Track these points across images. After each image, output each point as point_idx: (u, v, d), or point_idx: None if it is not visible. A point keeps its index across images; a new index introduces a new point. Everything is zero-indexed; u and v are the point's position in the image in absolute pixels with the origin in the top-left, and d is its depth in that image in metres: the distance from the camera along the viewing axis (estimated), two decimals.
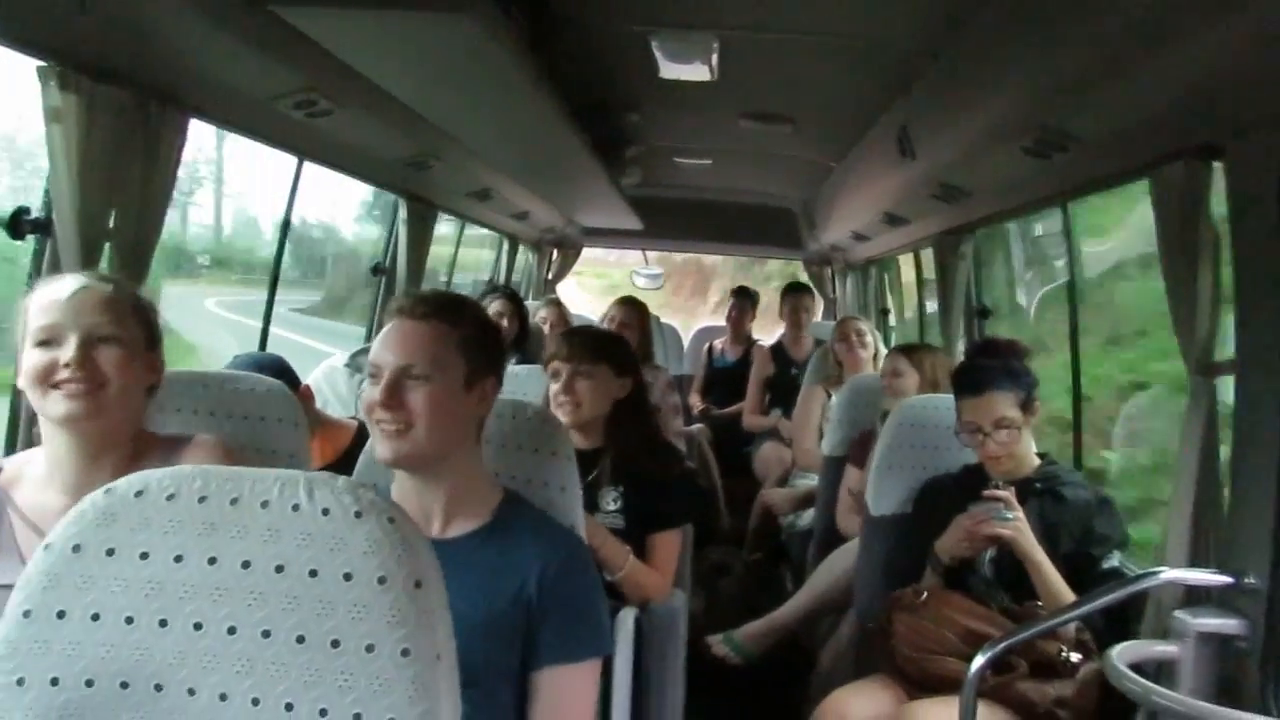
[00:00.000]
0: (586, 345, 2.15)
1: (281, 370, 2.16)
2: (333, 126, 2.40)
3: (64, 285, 1.37)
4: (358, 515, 0.87)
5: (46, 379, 1.33)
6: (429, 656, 0.85)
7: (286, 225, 3.03)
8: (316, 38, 1.86)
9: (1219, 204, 1.71)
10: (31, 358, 1.33)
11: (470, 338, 1.40)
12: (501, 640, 1.35)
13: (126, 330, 1.39)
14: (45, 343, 1.33)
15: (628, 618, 2.02)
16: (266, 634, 0.85)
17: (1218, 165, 1.71)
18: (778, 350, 4.78)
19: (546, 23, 2.35)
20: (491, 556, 1.40)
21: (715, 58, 2.77)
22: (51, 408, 1.33)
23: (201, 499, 0.88)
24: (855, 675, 2.23)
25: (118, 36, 1.64)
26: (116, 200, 1.75)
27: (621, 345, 2.27)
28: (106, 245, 1.77)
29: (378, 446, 1.37)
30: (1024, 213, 3.05)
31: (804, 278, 6.24)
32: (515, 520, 1.45)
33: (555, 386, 2.13)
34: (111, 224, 1.77)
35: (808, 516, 3.56)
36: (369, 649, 0.84)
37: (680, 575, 2.33)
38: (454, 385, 1.37)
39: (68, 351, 1.32)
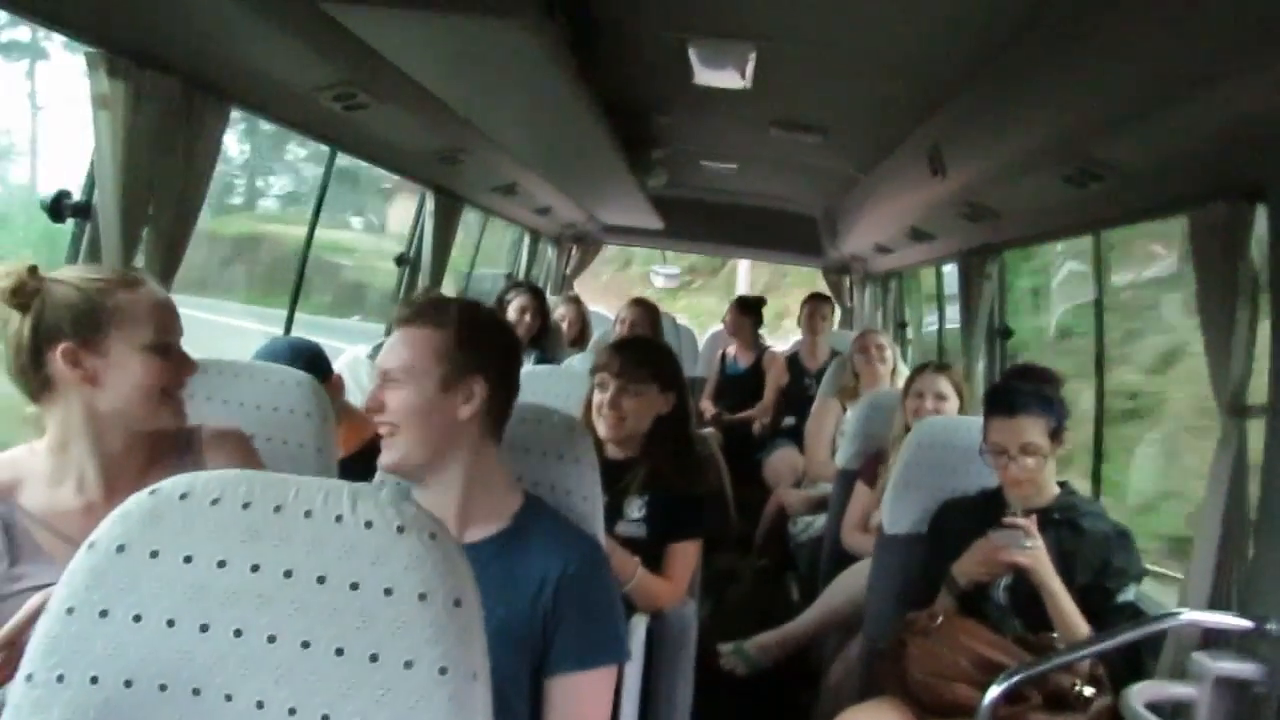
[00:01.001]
0: (638, 363, 2.13)
1: (315, 358, 2.16)
2: (367, 119, 2.40)
3: (157, 287, 1.38)
4: (400, 530, 0.87)
5: (167, 387, 1.35)
6: (466, 675, 0.85)
7: (318, 209, 3.04)
8: (361, 34, 1.87)
9: (1258, 245, 1.70)
10: (150, 363, 1.32)
11: (451, 340, 1.40)
12: (518, 647, 1.36)
13: None
14: (165, 349, 1.34)
15: (639, 625, 2.02)
16: (306, 644, 0.85)
17: (1260, 206, 1.69)
18: (793, 360, 4.77)
19: (587, 25, 2.35)
20: (509, 562, 1.40)
21: (750, 67, 2.76)
22: (167, 416, 1.36)
23: (245, 505, 0.89)
24: (863, 694, 2.22)
25: (165, 25, 1.65)
26: (157, 187, 1.75)
27: (670, 361, 2.24)
28: (145, 231, 1.77)
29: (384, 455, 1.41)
30: (1054, 238, 3.04)
31: (821, 285, 6.24)
32: (534, 525, 1.45)
33: (601, 398, 2.13)
34: (150, 211, 1.77)
35: (818, 524, 3.56)
36: (407, 665, 0.84)
37: (691, 583, 2.34)
38: (428, 388, 1.38)
39: (188, 360, 1.37)
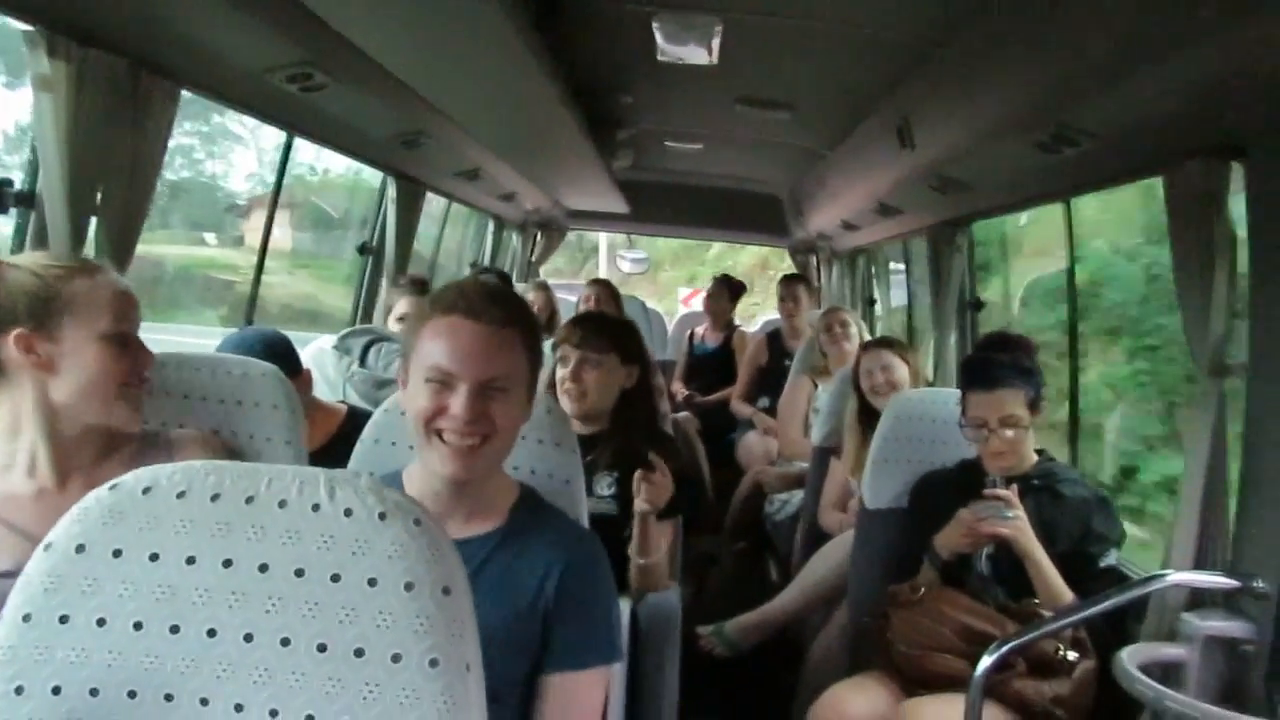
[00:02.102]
0: (598, 333, 2.11)
1: (286, 350, 2.10)
2: (325, 101, 2.32)
3: (117, 278, 1.35)
4: (382, 517, 0.83)
5: (123, 381, 1.32)
6: (459, 667, 0.81)
7: (277, 195, 2.95)
8: (317, 10, 1.79)
9: (1234, 203, 1.70)
10: (106, 355, 1.30)
11: (532, 339, 1.35)
12: (514, 646, 1.31)
13: None
14: (123, 339, 1.31)
15: (624, 611, 1.99)
16: (286, 642, 0.80)
17: (1235, 164, 1.69)
18: (774, 340, 4.76)
19: (548, 2, 2.30)
20: (507, 560, 1.35)
21: (716, 41, 2.72)
22: (119, 412, 1.33)
23: (215, 497, 0.83)
24: (849, 669, 2.22)
25: (109, 1, 1.56)
26: (105, 173, 1.67)
27: (631, 333, 2.23)
28: (94, 220, 1.69)
29: (446, 463, 1.29)
30: (1025, 207, 3.04)
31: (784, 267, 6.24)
32: (531, 520, 1.40)
33: (563, 372, 2.10)
34: (99, 199, 1.69)
35: (793, 503, 3.56)
36: (395, 659, 0.80)
37: (672, 567, 2.31)
38: (525, 394, 1.34)
39: (144, 355, 1.34)
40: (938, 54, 2.37)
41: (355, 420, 2.08)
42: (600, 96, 3.55)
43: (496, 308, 1.30)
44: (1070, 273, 2.80)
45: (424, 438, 1.30)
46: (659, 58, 2.86)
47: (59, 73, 1.51)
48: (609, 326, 2.19)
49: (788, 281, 4.92)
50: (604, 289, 3.91)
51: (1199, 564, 1.71)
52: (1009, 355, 2.14)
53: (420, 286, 2.98)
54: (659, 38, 2.71)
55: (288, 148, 2.73)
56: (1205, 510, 1.72)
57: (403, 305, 2.90)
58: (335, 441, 2.14)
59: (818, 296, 6.07)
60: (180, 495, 0.84)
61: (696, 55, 2.86)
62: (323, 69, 2.09)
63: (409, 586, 0.81)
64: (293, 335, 2.18)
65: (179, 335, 3.97)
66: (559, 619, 1.32)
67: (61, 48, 1.51)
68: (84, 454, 1.33)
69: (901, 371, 2.89)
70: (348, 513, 0.83)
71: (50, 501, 1.28)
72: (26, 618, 0.82)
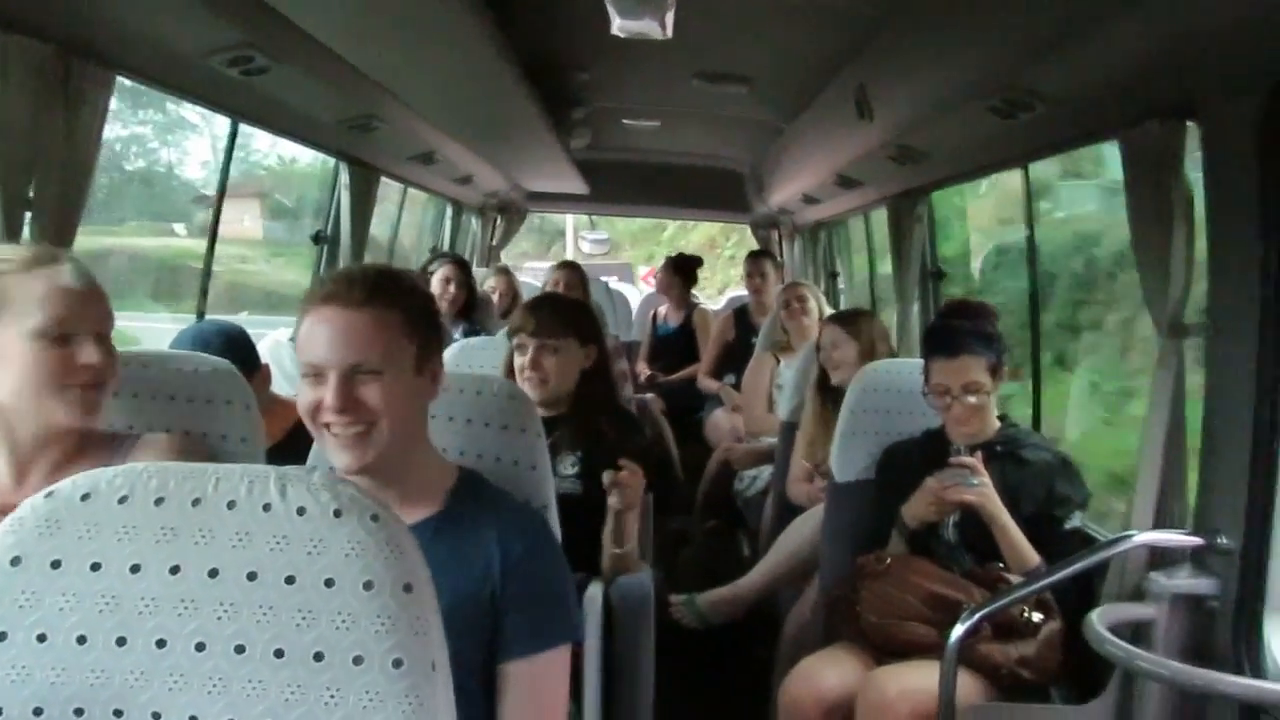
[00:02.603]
0: (553, 318, 2.08)
1: (243, 345, 2.05)
2: (270, 85, 2.24)
3: (67, 272, 1.27)
4: (337, 514, 0.79)
5: (61, 379, 1.25)
6: (424, 666, 0.78)
7: (223, 185, 2.86)
8: None
9: (1191, 165, 1.71)
10: (38, 352, 1.23)
11: (414, 317, 1.30)
12: (467, 632, 1.28)
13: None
14: (62, 339, 1.24)
15: (596, 594, 1.98)
16: (240, 649, 0.77)
17: (1191, 125, 1.69)
18: (741, 315, 4.75)
19: None
20: (451, 544, 1.32)
21: (671, 15, 2.67)
22: (62, 411, 1.26)
23: (159, 500, 0.79)
24: (822, 643, 2.22)
25: None
26: (37, 166, 1.60)
27: (586, 313, 2.22)
28: (27, 215, 1.62)
29: (337, 456, 1.26)
30: (983, 174, 3.05)
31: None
32: (473, 502, 1.37)
33: (521, 360, 2.07)
34: (32, 193, 1.62)
35: (763, 478, 3.56)
36: (357, 661, 0.77)
37: (643, 547, 2.30)
38: (408, 374, 1.28)
39: (87, 352, 1.26)
40: (893, 22, 2.35)
41: None
42: (555, 74, 3.49)
43: (360, 290, 1.25)
44: (1030, 239, 2.81)
45: (315, 433, 1.28)
46: (614, 33, 2.81)
47: None
48: (563, 309, 2.16)
49: (755, 258, 4.91)
50: (573, 274, 3.85)
51: (1159, 523, 1.73)
52: (970, 322, 2.15)
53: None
54: (613, 13, 2.65)
55: (233, 135, 2.65)
56: (1165, 470, 1.74)
57: None
58: (295, 436, 2.09)
59: (783, 272, 6.08)
60: (122, 500, 0.80)
61: (651, 30, 2.81)
62: (265, 52, 2.02)
63: (368, 585, 0.78)
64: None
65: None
66: (511, 604, 1.29)
67: None
68: (42, 460, 1.28)
69: (849, 350, 2.85)
70: (300, 511, 0.79)
71: (8, 496, 1.23)
72: None
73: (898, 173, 3.22)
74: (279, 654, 0.77)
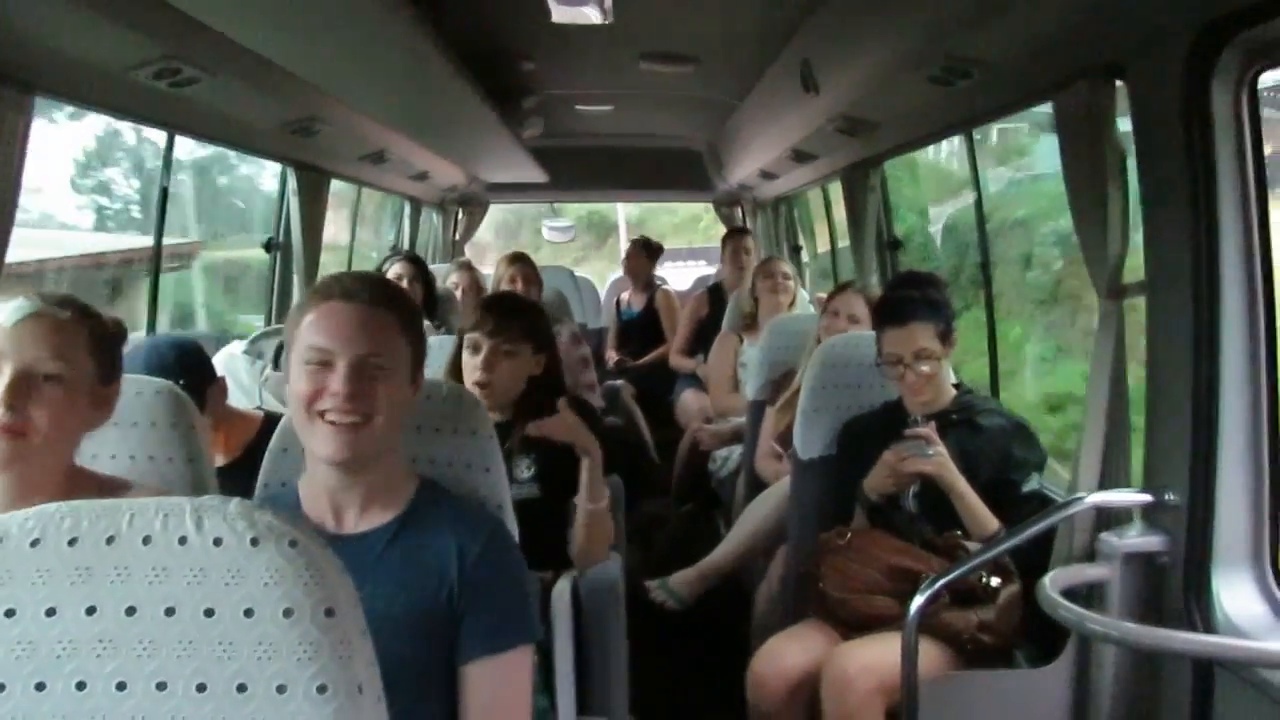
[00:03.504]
0: (512, 321, 2.06)
1: (197, 359, 2.02)
2: (202, 95, 2.20)
3: (10, 309, 1.24)
4: (254, 543, 0.78)
5: None
6: (349, 689, 0.78)
7: (164, 201, 2.81)
8: (172, 0, 1.68)
9: (1123, 124, 1.71)
10: None
11: (412, 324, 1.36)
12: (425, 636, 1.30)
13: (74, 366, 1.26)
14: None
15: (564, 591, 1.98)
16: (162, 686, 0.76)
17: (1121, 85, 1.69)
18: (715, 293, 4.74)
19: None
20: (409, 549, 1.34)
21: None
22: None
23: (72, 541, 0.78)
24: (790, 619, 2.24)
25: None
26: None
27: (542, 320, 2.18)
28: None
29: (327, 443, 1.29)
30: (930, 141, 3.05)
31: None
32: (431, 509, 1.39)
33: (474, 360, 2.05)
34: None
35: (735, 457, 3.57)
36: (280, 689, 0.76)
37: (616, 535, 2.30)
38: (405, 377, 1.34)
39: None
40: None
41: (272, 425, 2.01)
42: (499, 65, 3.45)
43: (370, 290, 1.33)
44: (978, 204, 2.82)
45: (305, 421, 1.30)
46: (554, 19, 2.78)
47: None
48: (523, 314, 2.13)
49: (736, 235, 4.89)
50: (527, 267, 3.81)
51: (1105, 484, 1.75)
52: (919, 291, 2.16)
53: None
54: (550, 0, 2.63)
55: (169, 147, 2.60)
56: (1109, 430, 1.75)
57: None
58: (253, 449, 2.07)
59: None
60: (34, 544, 0.78)
61: (591, 15, 2.78)
62: (192, 62, 1.98)
63: (288, 613, 0.77)
64: None
65: None
66: (470, 606, 1.31)
67: None
68: (41, 488, 1.24)
69: (865, 327, 2.82)
70: (217, 542, 0.78)
71: None
72: None
73: (848, 144, 3.22)
74: (201, 688, 0.76)
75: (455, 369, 2.09)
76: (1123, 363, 1.76)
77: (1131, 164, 1.67)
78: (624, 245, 13.03)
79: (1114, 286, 1.74)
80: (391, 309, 1.33)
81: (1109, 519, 1.69)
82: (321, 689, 0.76)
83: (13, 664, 0.76)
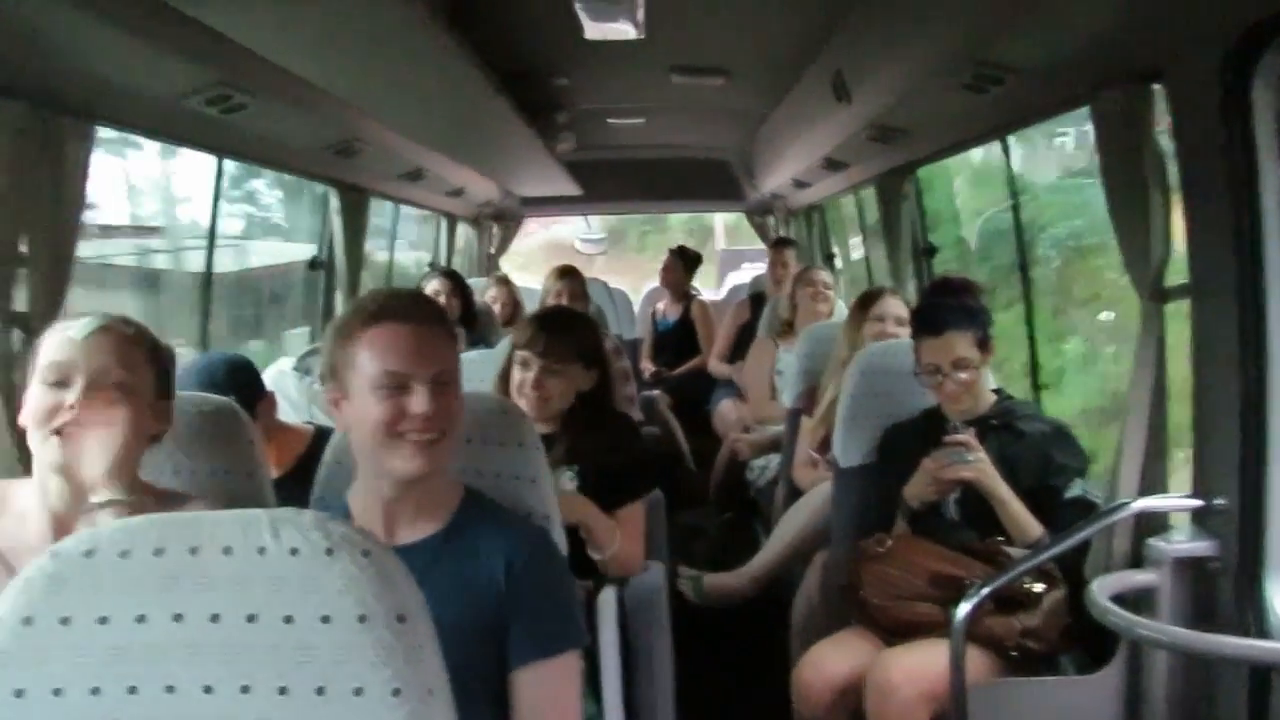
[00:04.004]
0: (562, 342, 2.08)
1: (247, 376, 2.07)
2: (250, 120, 2.28)
3: (80, 324, 1.33)
4: (329, 552, 0.82)
5: (48, 421, 1.28)
6: (420, 692, 0.81)
7: (214, 226, 2.90)
8: (223, 29, 1.75)
9: (1161, 127, 1.71)
10: (37, 396, 1.29)
11: (454, 337, 1.41)
12: (476, 644, 1.32)
13: (137, 376, 1.34)
14: (55, 383, 1.29)
15: (609, 597, 2.00)
16: (246, 689, 0.80)
17: (1158, 88, 1.69)
18: (756, 300, 4.77)
19: None
20: (456, 558, 1.37)
21: (641, 14, 2.69)
22: (48, 452, 1.28)
23: (158, 552, 0.82)
24: (830, 628, 2.25)
25: (4, 46, 1.52)
26: (26, 224, 1.63)
27: (593, 336, 2.20)
28: (21, 273, 1.66)
29: (411, 461, 1.32)
30: (965, 148, 3.05)
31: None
32: (477, 518, 1.42)
33: (523, 376, 2.07)
34: (25, 249, 1.65)
35: (773, 466, 3.58)
36: (357, 692, 0.80)
37: (656, 545, 2.32)
38: (460, 389, 1.38)
39: (73, 393, 1.28)
40: (863, 5, 2.36)
41: (323, 439, 2.06)
42: (533, 82, 3.51)
43: (423, 308, 1.37)
44: (1015, 209, 2.82)
45: (383, 443, 1.32)
46: (586, 36, 2.83)
47: None
48: (574, 332, 2.14)
49: (778, 246, 4.92)
50: (575, 282, 3.83)
51: (1145, 489, 1.74)
52: (954, 299, 2.16)
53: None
54: (583, 16, 2.67)
55: (219, 172, 2.68)
56: (1150, 435, 1.75)
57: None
58: (305, 462, 2.12)
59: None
60: (123, 554, 0.83)
61: (624, 31, 2.83)
62: (241, 89, 2.05)
63: (363, 619, 0.80)
64: None
65: None
66: (517, 612, 1.34)
67: None
68: (91, 520, 1.30)
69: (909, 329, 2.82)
70: (294, 552, 0.82)
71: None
72: None
73: (881, 152, 3.23)
74: (283, 691, 0.80)
75: (505, 380, 2.12)
76: (1164, 367, 1.75)
77: (1171, 166, 1.67)
78: (720, 248, 13.12)
79: (1156, 290, 1.73)
80: (442, 324, 1.38)
81: (1150, 524, 1.68)
82: (395, 692, 0.80)
83: (106, 668, 0.80)
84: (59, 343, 1.31)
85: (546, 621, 1.36)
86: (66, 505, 1.31)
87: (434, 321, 1.36)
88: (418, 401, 1.30)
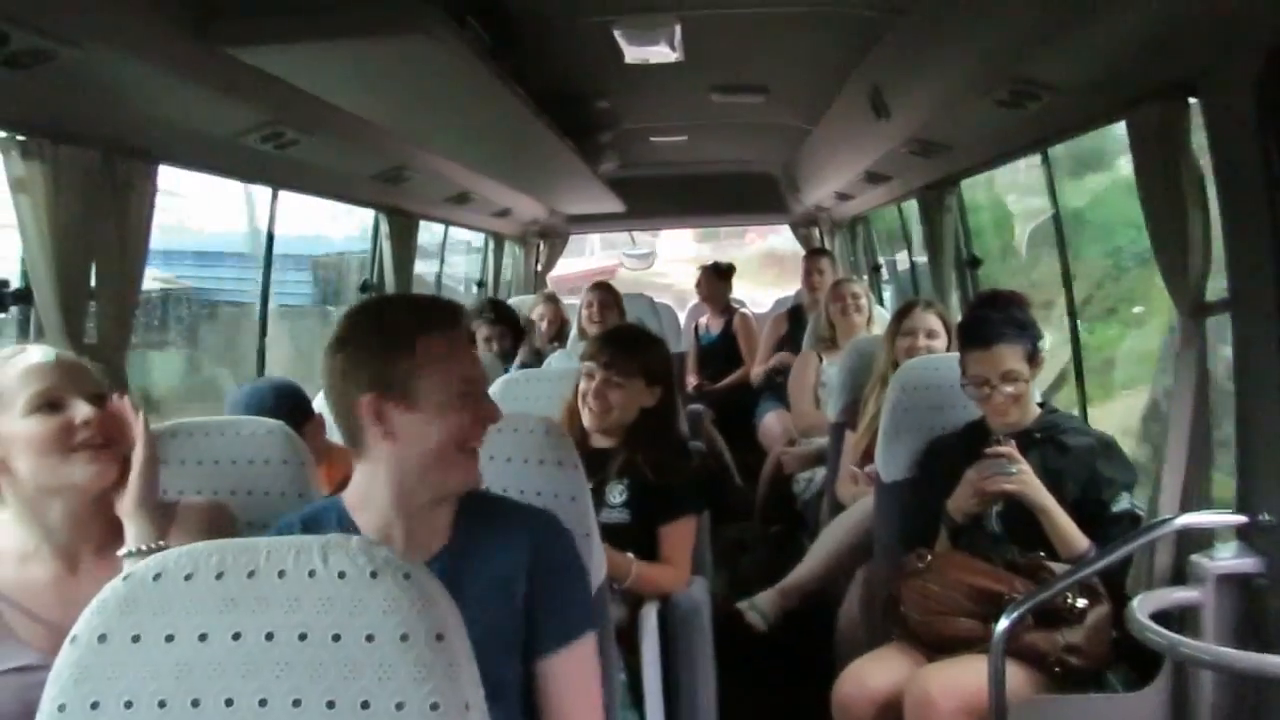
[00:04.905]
0: (626, 356, 2.14)
1: (295, 398, 2.15)
2: (303, 154, 2.38)
3: (38, 352, 1.33)
4: (373, 575, 0.87)
5: (64, 443, 1.28)
6: (458, 707, 0.86)
7: (269, 252, 3.01)
8: (274, 72, 1.84)
9: (1198, 141, 1.70)
10: (34, 425, 1.26)
11: None
12: (504, 648, 1.34)
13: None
14: (50, 406, 1.28)
15: (650, 614, 2.04)
16: (297, 703, 0.85)
17: (1194, 101, 1.69)
18: (795, 313, 4.77)
19: (505, 25, 2.33)
20: (472, 567, 1.35)
21: (678, 38, 2.74)
22: (77, 472, 1.29)
23: (219, 575, 0.89)
24: (871, 642, 2.25)
25: (74, 97, 1.62)
26: (94, 260, 1.74)
27: (660, 354, 2.25)
28: (90, 306, 1.76)
29: (473, 470, 1.34)
30: (1004, 161, 3.03)
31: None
32: (481, 522, 1.39)
33: (586, 386, 2.15)
34: (93, 283, 1.76)
35: (819, 479, 3.57)
36: (399, 707, 0.85)
37: (700, 561, 2.34)
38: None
39: (82, 411, 1.28)
40: (898, 23, 2.38)
41: None
42: (576, 105, 3.58)
43: (451, 314, 1.36)
44: (1057, 220, 2.79)
45: (453, 456, 1.31)
46: (626, 61, 2.89)
47: (35, 173, 1.57)
48: (639, 349, 2.20)
49: (813, 256, 4.93)
50: (608, 294, 3.89)
51: (1185, 505, 1.72)
52: (1002, 311, 2.15)
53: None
54: (622, 43, 2.74)
55: (274, 202, 2.79)
56: (1192, 451, 1.73)
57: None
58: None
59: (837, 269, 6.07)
60: (188, 578, 0.89)
61: (662, 54, 2.89)
62: (293, 125, 2.15)
63: (404, 638, 0.85)
64: None
65: None
66: (538, 604, 1.35)
67: (34, 149, 1.57)
68: (89, 535, 1.33)
69: (942, 341, 2.81)
70: (341, 575, 0.88)
71: (65, 590, 1.30)
72: (62, 708, 0.87)
73: (922, 166, 3.23)
74: (331, 705, 0.85)
75: (577, 393, 2.19)
76: (1206, 382, 1.74)
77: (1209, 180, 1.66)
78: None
79: (1196, 304, 1.72)
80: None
81: (1192, 540, 1.66)
82: (434, 706, 0.85)
83: (172, 683, 0.87)
84: (35, 371, 1.30)
85: (564, 606, 1.37)
86: (69, 530, 1.31)
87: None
88: (488, 405, 1.35)
